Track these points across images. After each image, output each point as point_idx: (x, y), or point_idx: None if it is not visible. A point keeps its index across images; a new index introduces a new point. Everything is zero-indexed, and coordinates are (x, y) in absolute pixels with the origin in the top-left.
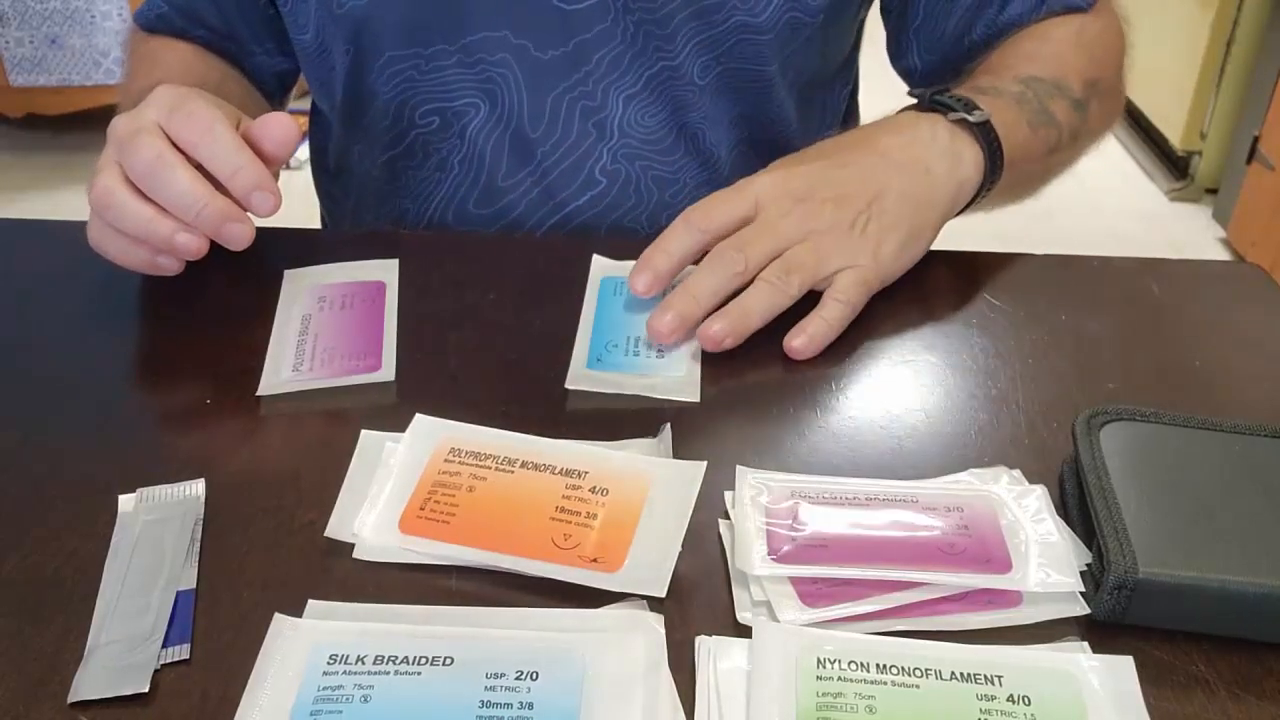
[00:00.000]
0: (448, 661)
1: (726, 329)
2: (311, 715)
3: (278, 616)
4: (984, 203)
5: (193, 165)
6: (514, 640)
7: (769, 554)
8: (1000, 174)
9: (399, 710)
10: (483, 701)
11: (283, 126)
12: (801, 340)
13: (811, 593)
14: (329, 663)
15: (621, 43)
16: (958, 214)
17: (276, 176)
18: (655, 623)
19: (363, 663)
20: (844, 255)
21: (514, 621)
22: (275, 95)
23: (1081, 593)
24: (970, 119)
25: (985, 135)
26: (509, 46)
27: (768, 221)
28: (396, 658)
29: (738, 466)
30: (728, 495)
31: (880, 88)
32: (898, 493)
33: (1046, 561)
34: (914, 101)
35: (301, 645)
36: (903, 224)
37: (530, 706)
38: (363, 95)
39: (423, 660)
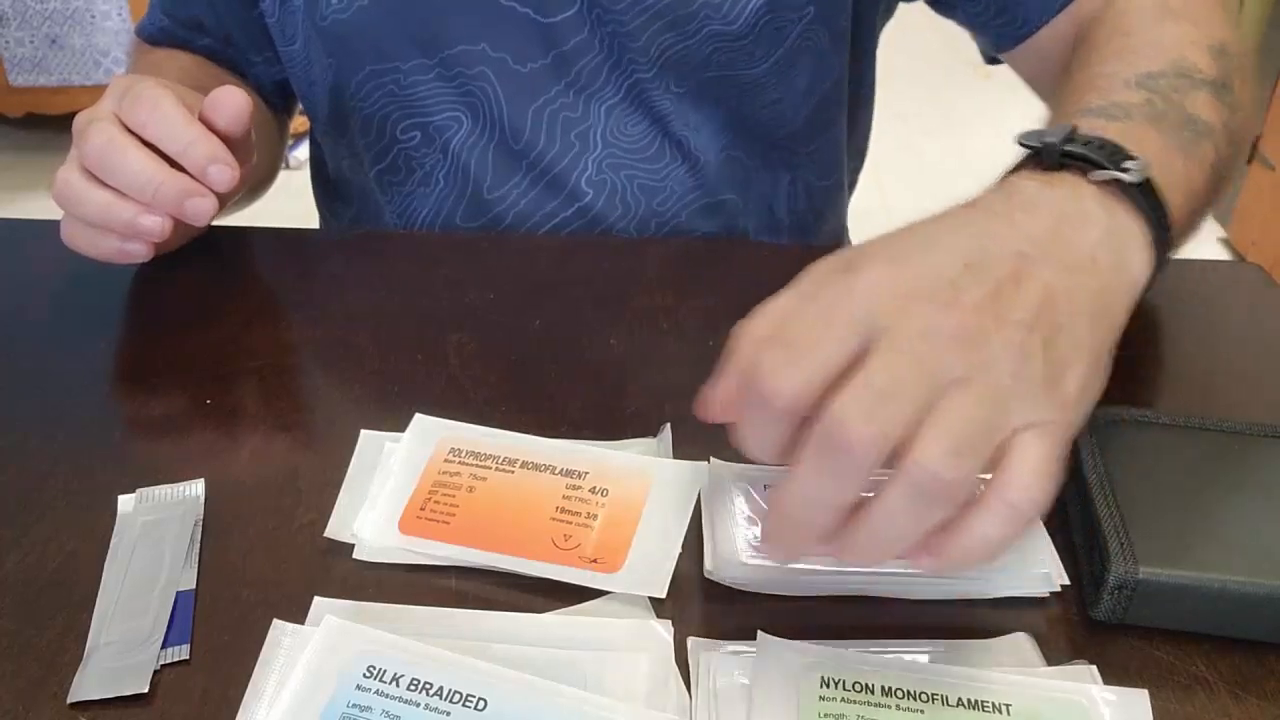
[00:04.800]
0: (480, 705)
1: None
2: None
3: (316, 607)
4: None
5: (149, 148)
6: (556, 698)
7: (751, 545)
8: (1171, 249)
9: None
10: None
11: (232, 99)
12: (934, 563)
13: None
14: (365, 675)
15: (599, 54)
16: None
17: (245, 160)
18: (664, 632)
19: (398, 684)
20: (1024, 405)
21: (536, 636)
22: (279, 106)
23: (1063, 587)
24: (1125, 177)
25: (1146, 199)
26: (488, 60)
27: (898, 357)
28: (430, 687)
29: (712, 459)
30: (702, 490)
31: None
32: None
33: (1022, 545)
34: (1025, 152)
35: (340, 648)
36: (1084, 344)
37: None
38: (345, 109)
39: (455, 697)
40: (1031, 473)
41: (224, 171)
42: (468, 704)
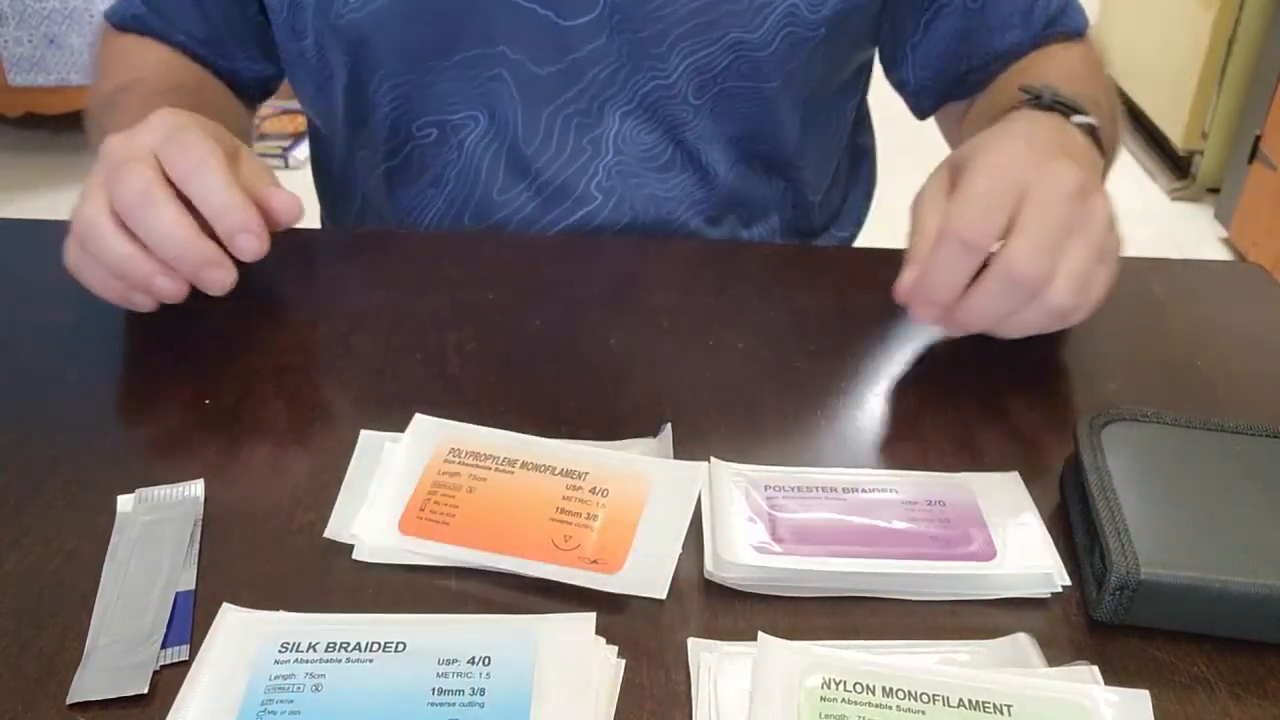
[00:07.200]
0: (400, 647)
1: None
2: (263, 705)
3: (226, 606)
4: None
5: (181, 199)
6: (466, 625)
7: (751, 544)
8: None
9: (351, 697)
10: (435, 689)
11: (288, 209)
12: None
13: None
14: (281, 650)
15: (616, 60)
16: None
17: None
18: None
19: (314, 650)
20: (1109, 257)
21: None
22: (256, 99)
23: (1064, 588)
24: (1092, 122)
25: (1099, 143)
26: (506, 62)
27: (1043, 224)
28: (349, 644)
29: (712, 459)
30: (702, 490)
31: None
32: (876, 482)
33: (1024, 546)
34: (1024, 96)
35: (253, 634)
36: (1115, 244)
37: (483, 692)
38: (362, 106)
39: (374, 646)
40: (1100, 286)
41: (251, 243)
42: (387, 649)
